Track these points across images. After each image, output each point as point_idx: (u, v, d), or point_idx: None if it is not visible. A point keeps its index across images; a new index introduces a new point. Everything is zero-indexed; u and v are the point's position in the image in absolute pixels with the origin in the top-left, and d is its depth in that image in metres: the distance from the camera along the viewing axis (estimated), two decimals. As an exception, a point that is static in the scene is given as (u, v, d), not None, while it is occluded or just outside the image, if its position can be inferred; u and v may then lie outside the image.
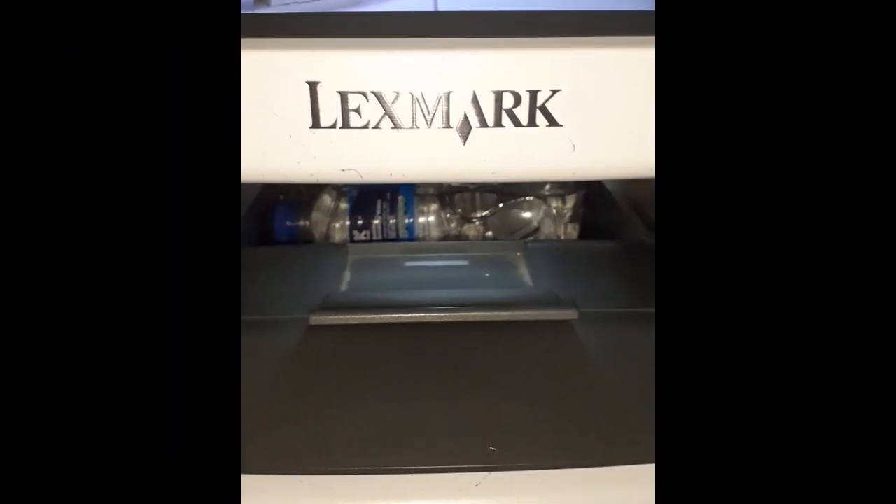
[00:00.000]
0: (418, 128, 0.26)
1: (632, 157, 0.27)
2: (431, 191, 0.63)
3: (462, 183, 0.28)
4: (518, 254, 0.51)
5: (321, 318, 0.38)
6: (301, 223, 0.63)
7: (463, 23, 0.27)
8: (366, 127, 0.26)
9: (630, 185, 0.63)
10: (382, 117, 0.26)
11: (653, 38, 0.26)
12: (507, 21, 0.27)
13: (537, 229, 0.62)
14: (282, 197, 0.68)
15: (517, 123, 0.26)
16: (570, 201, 0.63)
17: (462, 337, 0.39)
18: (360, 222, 0.62)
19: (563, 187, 0.63)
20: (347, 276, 0.48)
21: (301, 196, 0.67)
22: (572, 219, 0.63)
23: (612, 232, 0.59)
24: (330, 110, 0.26)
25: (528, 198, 0.63)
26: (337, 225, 0.63)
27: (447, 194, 0.63)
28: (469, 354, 0.38)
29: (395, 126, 0.26)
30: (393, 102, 0.26)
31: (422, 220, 0.63)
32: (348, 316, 0.39)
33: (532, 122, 0.26)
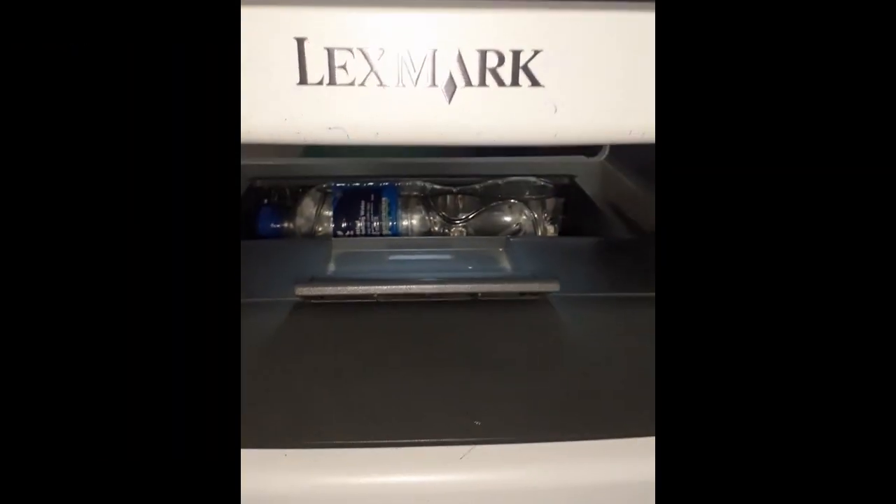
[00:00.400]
0: (404, 86, 0.27)
1: (613, 121, 0.28)
2: (415, 193, 0.64)
3: (447, 144, 0.28)
4: (500, 249, 0.51)
5: (307, 289, 0.38)
6: (285, 225, 0.63)
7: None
8: (352, 84, 0.27)
9: (608, 189, 0.64)
10: (368, 75, 0.27)
11: (636, 3, 0.27)
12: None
13: (518, 231, 0.62)
14: (266, 201, 0.68)
15: (500, 83, 0.27)
16: (550, 205, 0.64)
17: (446, 314, 0.39)
18: (343, 224, 0.62)
19: (543, 191, 0.64)
20: (332, 267, 0.48)
21: (285, 200, 0.68)
22: (552, 221, 0.64)
23: (591, 232, 0.60)
24: (317, 67, 0.27)
25: (510, 201, 0.64)
26: (320, 228, 0.63)
27: (430, 197, 0.64)
28: (453, 331, 0.38)
29: (381, 84, 0.27)
30: (379, 59, 0.27)
31: (405, 222, 0.63)
32: (333, 288, 0.39)
33: (515, 82, 0.27)
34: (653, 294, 0.42)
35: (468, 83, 0.27)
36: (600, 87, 0.27)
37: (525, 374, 0.35)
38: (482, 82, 0.27)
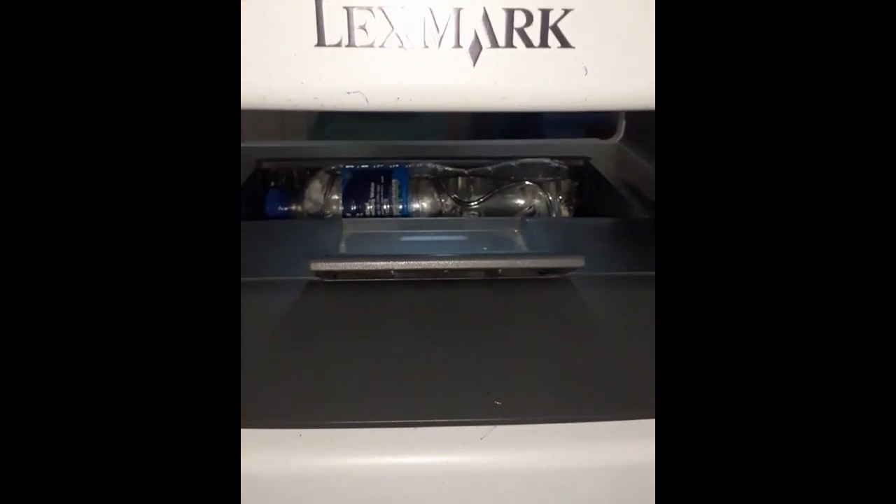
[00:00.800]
0: (427, 48, 0.26)
1: (646, 85, 0.27)
2: (426, 175, 0.62)
3: (471, 110, 0.27)
4: (515, 230, 0.50)
5: (321, 265, 0.37)
6: (293, 208, 0.62)
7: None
8: (372, 46, 0.26)
9: (624, 171, 0.63)
10: (389, 35, 0.25)
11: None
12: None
13: (532, 214, 0.61)
14: (273, 183, 0.67)
15: (528, 44, 0.26)
16: (565, 186, 0.63)
17: (465, 293, 0.38)
18: (353, 207, 0.61)
19: (558, 173, 0.63)
20: (343, 247, 0.47)
21: (293, 183, 0.66)
22: (567, 203, 0.63)
23: (608, 214, 0.58)
24: (335, 27, 0.25)
25: (523, 183, 0.62)
26: (328, 212, 0.62)
27: (441, 179, 0.63)
28: (473, 310, 0.37)
29: (402, 45, 0.26)
30: (400, 19, 0.25)
31: (416, 205, 0.62)
32: (349, 263, 0.37)
33: (544, 43, 0.26)
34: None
35: (494, 44, 0.26)
36: (634, 49, 0.26)
37: (547, 354, 0.34)
38: (509, 43, 0.26)
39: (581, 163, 0.64)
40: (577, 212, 0.63)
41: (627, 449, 0.30)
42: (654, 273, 0.42)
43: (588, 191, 0.63)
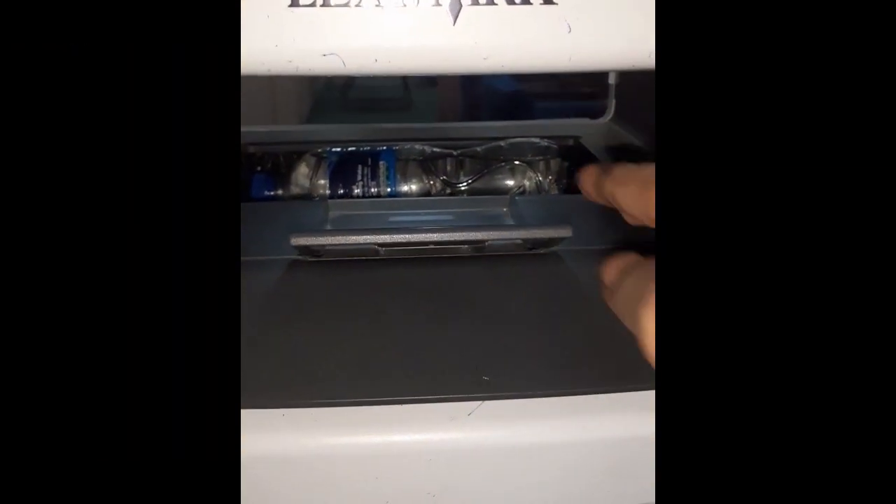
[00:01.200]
0: (405, 6, 0.25)
1: (633, 43, 0.26)
2: (414, 157, 0.61)
3: (452, 73, 0.26)
4: (504, 209, 0.49)
5: (303, 239, 0.36)
6: (279, 192, 0.61)
7: None
8: (347, 5, 0.25)
9: (614, 149, 0.62)
10: (366, -7, 0.25)
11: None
12: None
13: (522, 193, 0.60)
14: (259, 168, 0.65)
15: (510, 1, 0.25)
16: (555, 166, 0.62)
17: (452, 269, 0.37)
18: (340, 191, 0.60)
19: (547, 153, 0.62)
20: (329, 227, 0.46)
21: (279, 167, 0.65)
22: (557, 183, 0.62)
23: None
24: (309, -15, 0.24)
25: (513, 163, 0.61)
26: (316, 196, 0.61)
27: (429, 161, 0.62)
28: (460, 286, 0.36)
29: (379, 4, 0.25)
30: (377, -24, 0.24)
31: (404, 187, 0.61)
32: (331, 237, 0.36)
33: (525, 0, 0.25)
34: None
35: (475, 1, 0.25)
36: (619, 5, 0.25)
37: (535, 329, 0.34)
38: (490, 0, 0.25)
39: (571, 142, 0.64)
40: (567, 191, 0.62)
41: (625, 421, 0.29)
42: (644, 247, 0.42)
43: (577, 170, 0.62)
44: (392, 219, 0.48)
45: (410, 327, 0.33)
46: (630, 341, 0.32)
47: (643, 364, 0.30)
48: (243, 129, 0.67)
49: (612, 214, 0.49)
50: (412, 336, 0.33)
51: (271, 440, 0.28)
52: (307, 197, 0.59)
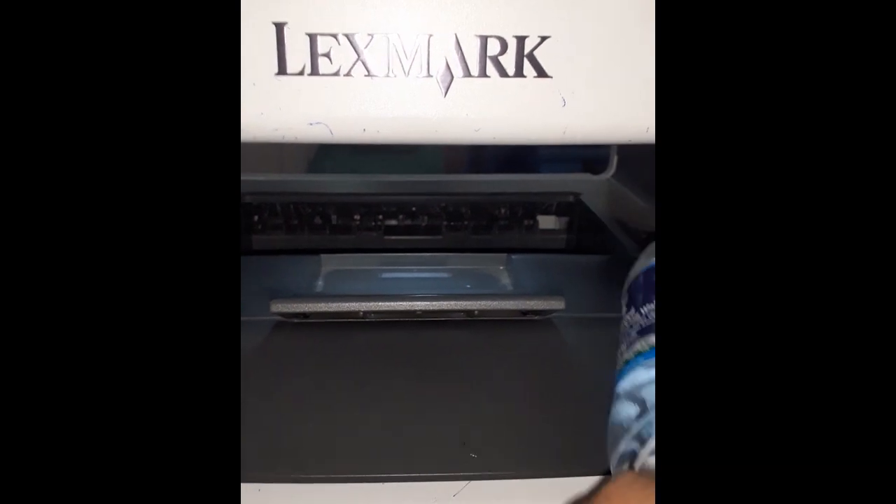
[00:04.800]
0: (394, 76, 0.24)
1: (629, 118, 0.25)
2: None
3: (442, 143, 0.26)
4: (501, 267, 0.48)
5: (283, 306, 0.35)
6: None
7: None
8: (336, 74, 0.24)
9: (615, 207, 0.61)
10: (355, 63, 0.24)
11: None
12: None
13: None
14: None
15: (503, 73, 0.24)
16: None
17: (441, 335, 0.36)
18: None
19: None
20: (320, 284, 0.45)
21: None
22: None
23: (598, 251, 0.57)
24: (298, 55, 0.24)
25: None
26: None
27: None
28: (448, 354, 0.35)
29: (369, 74, 0.24)
30: (367, 47, 0.24)
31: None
32: (312, 304, 0.35)
33: (519, 73, 0.24)
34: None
35: (467, 73, 0.24)
36: (615, 79, 0.25)
37: (525, 402, 0.32)
38: (482, 72, 0.24)
39: (571, 198, 0.63)
40: (567, 248, 0.62)
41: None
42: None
43: (578, 226, 0.62)
44: (385, 275, 0.48)
45: (395, 397, 0.32)
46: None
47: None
48: (244, 177, 0.67)
49: (608, 280, 0.48)
50: (396, 407, 0.32)
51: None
52: (301, 251, 0.58)
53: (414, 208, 0.63)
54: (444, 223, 0.64)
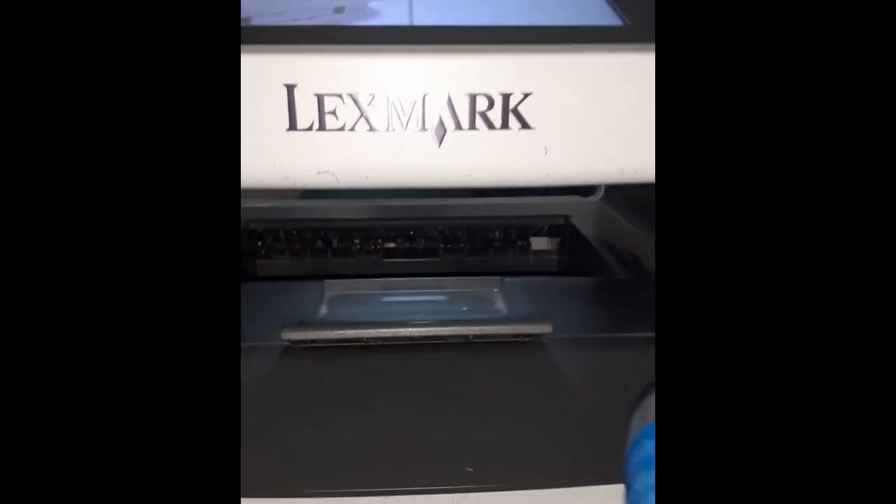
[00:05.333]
0: (394, 130, 0.27)
1: (604, 162, 0.28)
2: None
3: (437, 187, 0.28)
4: (495, 289, 0.51)
5: (294, 334, 0.37)
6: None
7: (437, 33, 0.28)
8: (342, 129, 0.27)
9: (604, 229, 0.64)
10: (358, 120, 0.27)
11: (622, 45, 0.27)
12: (481, 33, 0.28)
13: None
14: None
15: (490, 126, 0.27)
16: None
17: (438, 357, 0.39)
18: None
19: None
20: (324, 309, 0.48)
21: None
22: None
23: (588, 273, 0.59)
24: (307, 112, 0.27)
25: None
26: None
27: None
28: (445, 374, 0.38)
29: (371, 128, 0.27)
30: (369, 105, 0.27)
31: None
32: (321, 332, 0.38)
33: (505, 125, 0.27)
34: (649, 335, 0.42)
35: (458, 126, 0.27)
36: (590, 129, 0.27)
37: (519, 419, 0.35)
38: (472, 125, 0.27)
39: (561, 221, 0.66)
40: (559, 269, 0.64)
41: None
42: (629, 335, 0.43)
43: (568, 249, 0.64)
44: (385, 299, 0.50)
45: (395, 415, 0.34)
46: (612, 431, 0.33)
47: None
48: (245, 204, 0.69)
49: (598, 301, 0.51)
50: (397, 424, 0.34)
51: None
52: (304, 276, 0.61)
53: (412, 232, 0.66)
54: (441, 245, 0.66)
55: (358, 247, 0.66)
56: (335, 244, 0.65)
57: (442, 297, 0.50)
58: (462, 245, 0.66)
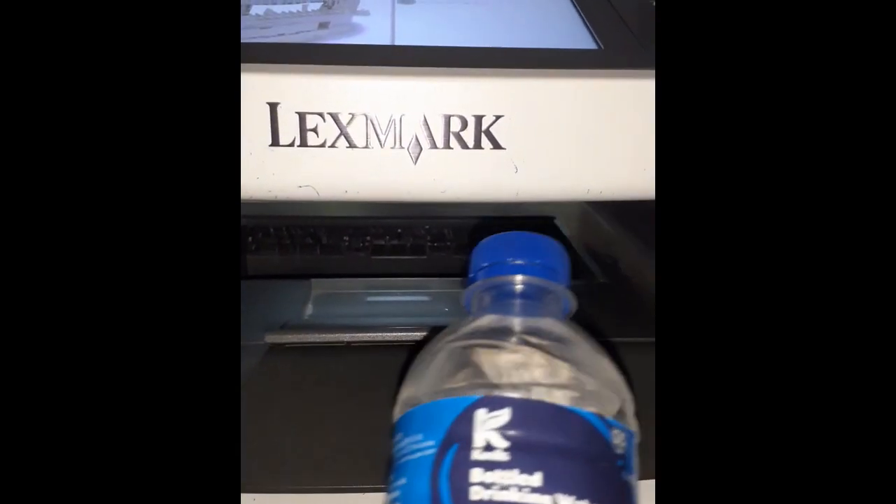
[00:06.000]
0: (372, 148, 0.28)
1: (571, 181, 0.29)
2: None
3: (413, 201, 0.30)
4: (478, 291, 0.52)
5: (277, 337, 0.39)
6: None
7: (416, 55, 0.29)
8: (322, 146, 0.28)
9: (586, 231, 0.65)
10: (338, 137, 0.28)
11: (589, 70, 0.29)
12: (457, 55, 0.29)
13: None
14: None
15: (464, 146, 0.28)
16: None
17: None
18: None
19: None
20: (310, 308, 0.49)
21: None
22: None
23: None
24: (289, 129, 0.28)
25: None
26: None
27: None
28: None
29: (350, 145, 0.28)
30: (348, 124, 0.28)
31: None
32: (304, 335, 0.39)
33: (478, 145, 0.28)
34: (630, 339, 0.43)
35: (433, 145, 0.28)
36: (558, 150, 0.29)
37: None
38: (447, 145, 0.28)
39: (546, 222, 0.67)
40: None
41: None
42: (607, 339, 0.44)
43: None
44: (370, 299, 0.51)
45: (380, 414, 0.35)
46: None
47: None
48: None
49: (585, 307, 0.52)
50: (381, 423, 0.35)
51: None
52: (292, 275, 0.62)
53: (400, 230, 0.67)
54: (428, 244, 0.67)
55: (347, 243, 0.67)
56: (324, 240, 0.66)
57: (426, 298, 0.52)
58: (448, 244, 0.67)
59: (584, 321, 0.49)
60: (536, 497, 0.21)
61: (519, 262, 0.29)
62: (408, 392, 0.27)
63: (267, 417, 0.35)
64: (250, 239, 0.67)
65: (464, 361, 0.26)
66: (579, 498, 0.21)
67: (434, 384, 0.26)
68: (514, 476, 0.21)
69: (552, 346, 0.26)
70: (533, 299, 0.28)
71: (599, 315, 0.49)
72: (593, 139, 0.29)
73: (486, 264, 0.29)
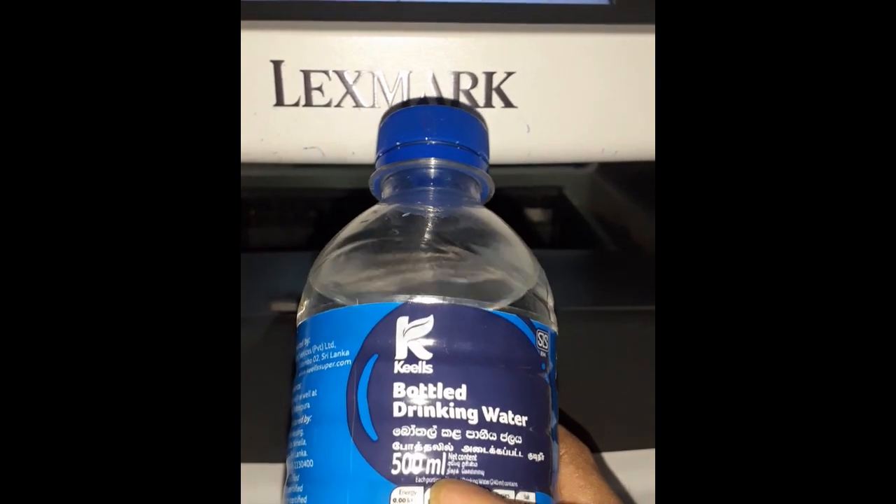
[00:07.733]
0: (379, 107, 0.27)
1: (584, 140, 0.29)
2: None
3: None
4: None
5: (284, 305, 0.38)
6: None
7: (424, 10, 0.28)
8: (328, 105, 0.27)
9: (597, 201, 0.64)
10: (344, 96, 0.27)
11: (604, 26, 0.27)
12: (467, 10, 0.28)
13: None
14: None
15: (474, 104, 0.27)
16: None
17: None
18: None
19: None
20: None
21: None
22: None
23: (579, 245, 0.60)
24: (293, 89, 0.27)
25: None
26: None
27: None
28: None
29: (357, 105, 0.27)
30: (354, 82, 0.27)
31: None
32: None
33: (488, 104, 0.27)
34: (641, 308, 0.43)
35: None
36: (571, 108, 0.28)
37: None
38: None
39: (554, 192, 0.66)
40: (550, 241, 0.65)
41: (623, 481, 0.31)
42: (619, 308, 0.44)
43: (559, 220, 0.65)
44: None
45: None
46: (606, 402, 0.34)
47: (621, 425, 0.32)
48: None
49: (589, 274, 0.51)
50: None
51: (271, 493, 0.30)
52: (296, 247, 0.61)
53: None
54: None
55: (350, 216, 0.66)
56: (327, 212, 0.66)
57: None
58: None
59: (597, 288, 0.48)
60: (461, 411, 0.20)
61: (434, 142, 0.24)
62: (315, 290, 0.24)
63: (270, 386, 0.35)
64: (252, 212, 0.67)
65: (378, 261, 0.23)
66: (503, 409, 0.20)
67: (346, 286, 0.23)
68: (438, 390, 0.20)
69: (471, 241, 0.23)
70: (449, 186, 0.24)
71: (614, 282, 0.49)
72: (608, 97, 0.28)
73: (397, 144, 0.24)
